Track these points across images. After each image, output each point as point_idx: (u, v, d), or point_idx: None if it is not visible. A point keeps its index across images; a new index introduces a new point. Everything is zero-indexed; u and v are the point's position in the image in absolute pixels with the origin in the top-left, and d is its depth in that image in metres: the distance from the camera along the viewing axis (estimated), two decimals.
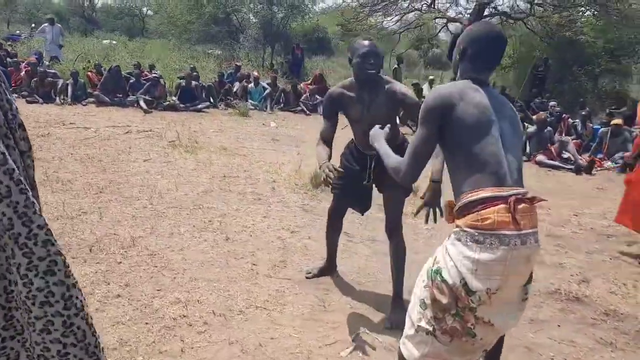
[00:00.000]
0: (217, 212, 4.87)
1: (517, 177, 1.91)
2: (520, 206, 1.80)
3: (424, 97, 12.79)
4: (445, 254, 1.88)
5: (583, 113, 10.06)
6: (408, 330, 1.99)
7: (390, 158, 2.13)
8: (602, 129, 8.99)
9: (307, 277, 3.71)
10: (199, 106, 11.29)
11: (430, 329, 1.89)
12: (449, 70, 23.07)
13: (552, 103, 10.99)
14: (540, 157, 8.58)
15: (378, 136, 2.32)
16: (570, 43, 16.08)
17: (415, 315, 1.95)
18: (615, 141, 8.62)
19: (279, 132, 9.82)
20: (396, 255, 3.25)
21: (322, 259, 3.86)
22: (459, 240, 1.84)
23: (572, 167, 8.26)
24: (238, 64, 15.64)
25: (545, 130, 8.82)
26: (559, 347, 3.04)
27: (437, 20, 19.43)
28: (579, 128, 9.36)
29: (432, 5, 18.47)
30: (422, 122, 1.98)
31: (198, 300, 3.25)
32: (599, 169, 8.34)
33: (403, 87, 3.11)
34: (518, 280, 1.86)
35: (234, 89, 12.86)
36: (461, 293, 1.81)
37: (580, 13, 16.84)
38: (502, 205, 1.79)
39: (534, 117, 9.31)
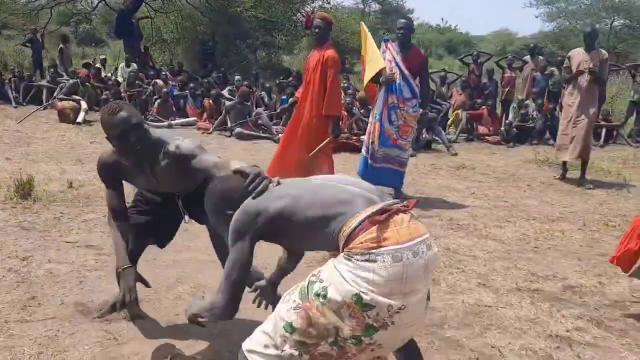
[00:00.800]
0: None
1: (377, 193, 1.89)
2: (398, 217, 1.76)
3: (121, 78, 11.79)
4: (333, 272, 1.74)
5: (267, 85, 10.78)
6: (263, 348, 1.81)
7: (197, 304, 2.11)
8: (291, 99, 9.76)
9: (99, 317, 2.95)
10: None
11: (296, 353, 1.75)
12: (108, 47, 22.06)
13: (237, 77, 11.36)
14: (239, 130, 8.87)
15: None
16: (231, 18, 16.95)
17: (279, 339, 1.77)
18: None
19: None
20: None
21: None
22: (349, 259, 1.71)
23: (270, 135, 8.82)
24: None
25: (246, 104, 9.16)
26: None
27: None
28: (266, 100, 10.03)
29: None
30: (240, 234, 1.89)
31: None
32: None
33: (182, 141, 2.64)
34: (417, 296, 1.77)
35: None
36: (354, 310, 1.69)
37: None
38: (382, 218, 1.73)
39: (238, 90, 9.52)
